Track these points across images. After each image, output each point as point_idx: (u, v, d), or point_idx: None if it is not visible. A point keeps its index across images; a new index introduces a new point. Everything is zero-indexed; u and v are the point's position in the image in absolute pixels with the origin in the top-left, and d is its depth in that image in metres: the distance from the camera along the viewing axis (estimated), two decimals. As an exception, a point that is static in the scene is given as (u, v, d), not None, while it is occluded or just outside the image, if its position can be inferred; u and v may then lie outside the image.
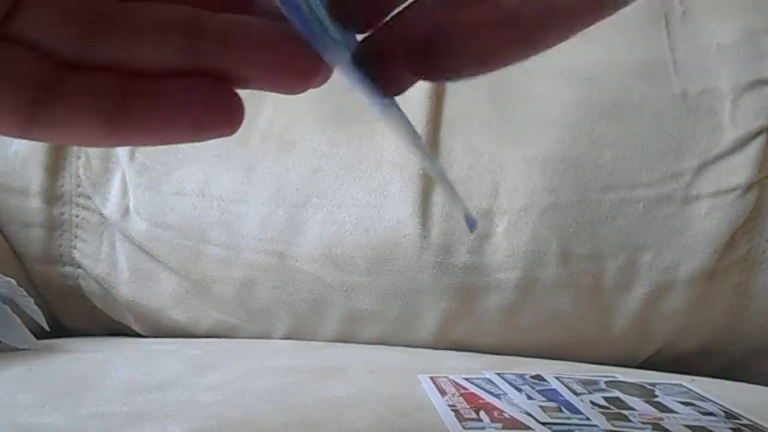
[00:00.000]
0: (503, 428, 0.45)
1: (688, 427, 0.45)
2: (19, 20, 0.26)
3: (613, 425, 0.45)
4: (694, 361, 0.73)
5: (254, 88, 0.28)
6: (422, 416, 0.47)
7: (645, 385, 0.56)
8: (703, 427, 0.46)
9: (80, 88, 0.27)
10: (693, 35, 0.74)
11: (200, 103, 0.27)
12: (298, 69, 0.28)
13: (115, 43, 0.27)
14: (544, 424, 0.45)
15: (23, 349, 0.64)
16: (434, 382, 0.54)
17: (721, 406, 0.51)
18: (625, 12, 0.82)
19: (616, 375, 0.59)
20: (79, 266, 0.78)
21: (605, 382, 0.56)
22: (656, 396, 0.53)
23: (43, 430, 0.44)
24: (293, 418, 0.46)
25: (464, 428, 0.45)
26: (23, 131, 0.26)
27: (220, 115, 0.28)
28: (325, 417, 0.47)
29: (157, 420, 0.45)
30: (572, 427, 0.44)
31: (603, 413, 0.47)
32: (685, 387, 0.56)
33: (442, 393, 0.52)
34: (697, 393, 0.54)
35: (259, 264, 0.73)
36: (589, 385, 0.55)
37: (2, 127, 0.26)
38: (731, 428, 0.46)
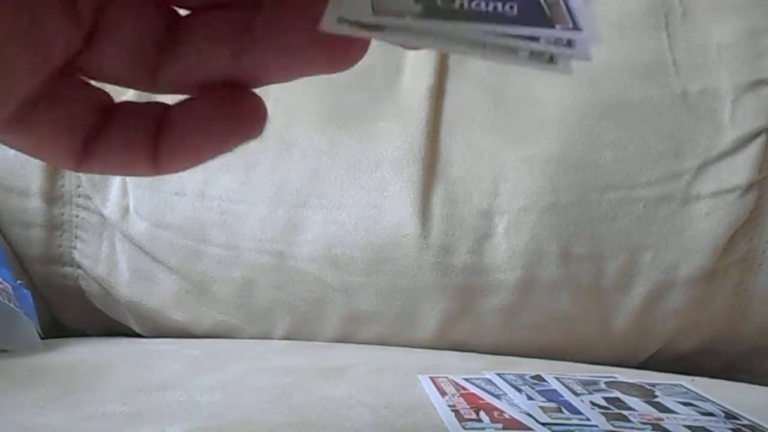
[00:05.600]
0: (503, 428, 0.45)
1: (687, 427, 0.45)
2: (93, 53, 0.27)
3: (613, 425, 0.45)
4: (694, 361, 0.73)
5: (293, 79, 0.29)
6: (422, 416, 0.47)
7: (645, 385, 0.56)
8: (702, 428, 0.46)
9: (122, 129, 0.28)
10: (693, 35, 0.74)
11: (226, 117, 0.28)
12: (342, 47, 0.28)
13: (176, 63, 0.28)
14: (544, 424, 0.45)
15: (23, 349, 0.64)
16: (434, 382, 0.54)
17: (720, 406, 0.51)
18: (625, 12, 0.82)
19: (616, 375, 0.59)
20: (79, 266, 0.78)
21: (605, 383, 0.56)
22: (656, 396, 0.53)
23: (43, 430, 0.44)
24: (293, 418, 0.46)
25: (464, 428, 0.45)
26: (76, 167, 0.28)
27: (245, 122, 0.28)
28: (325, 417, 0.47)
29: (157, 420, 0.45)
30: (572, 428, 0.45)
31: (603, 413, 0.47)
32: (685, 387, 0.56)
33: (442, 393, 0.52)
34: (696, 393, 0.54)
35: (259, 264, 0.73)
36: (589, 385, 0.55)
37: (56, 162, 0.28)
38: (731, 428, 0.46)
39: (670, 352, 0.73)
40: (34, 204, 0.77)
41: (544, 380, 0.56)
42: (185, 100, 0.29)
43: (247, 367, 0.59)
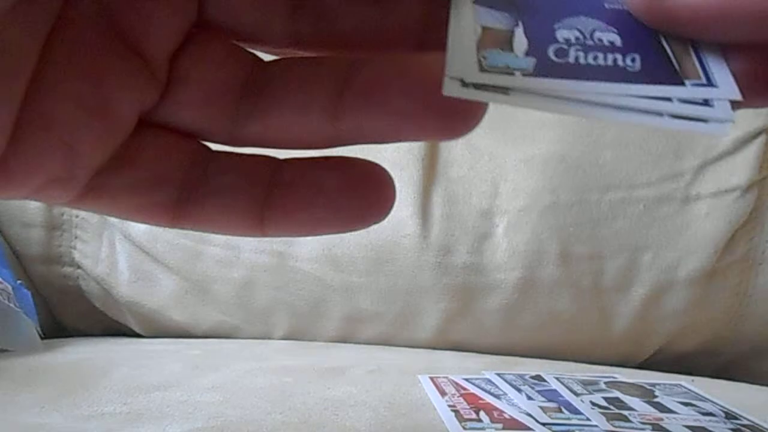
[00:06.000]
0: (503, 429, 0.45)
1: (687, 427, 0.45)
2: (168, 105, 0.25)
3: (613, 425, 0.45)
4: (694, 361, 0.73)
5: (400, 141, 0.26)
6: (422, 416, 0.47)
7: (645, 385, 0.56)
8: (702, 428, 0.46)
9: (225, 184, 0.26)
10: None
11: (356, 196, 0.26)
12: (459, 114, 0.25)
13: (262, 117, 0.25)
14: (544, 424, 0.45)
15: (23, 349, 0.64)
16: (434, 382, 0.54)
17: (720, 406, 0.51)
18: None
19: (616, 375, 0.59)
20: (79, 266, 0.78)
21: (605, 383, 0.56)
22: (656, 396, 0.53)
23: (43, 430, 0.44)
24: (293, 418, 0.46)
25: (464, 428, 0.45)
26: (172, 225, 0.26)
27: (370, 202, 0.26)
28: (325, 417, 0.47)
29: (157, 420, 0.45)
30: (572, 428, 0.45)
31: (603, 414, 0.47)
32: (685, 387, 0.56)
33: (442, 393, 0.52)
34: (696, 393, 0.54)
35: (259, 264, 0.73)
36: (589, 385, 0.55)
37: (149, 220, 0.26)
38: (731, 428, 0.46)
39: (670, 352, 0.73)
40: (34, 204, 0.77)
41: (544, 380, 0.56)
42: (303, 160, 0.26)
43: (247, 367, 0.59)
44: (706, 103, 0.22)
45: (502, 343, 0.72)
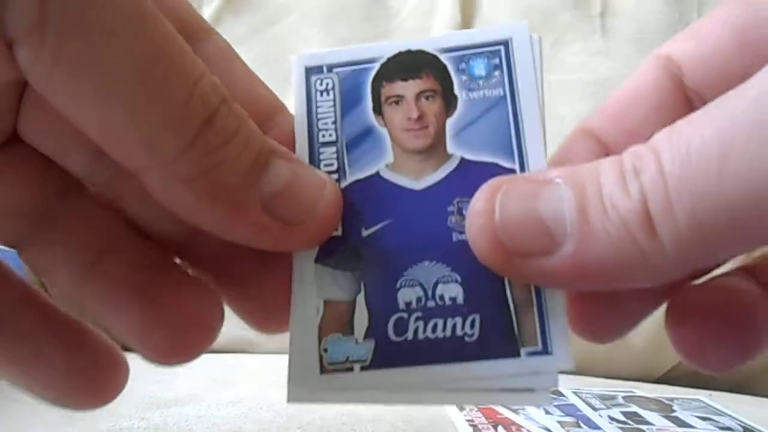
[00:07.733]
0: (521, 443, 0.45)
1: (706, 442, 0.45)
2: None
3: (632, 440, 0.45)
4: (711, 375, 0.73)
5: None
6: (440, 431, 0.47)
7: (663, 399, 0.56)
8: (721, 442, 0.45)
9: None
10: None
11: (71, 371, 0.26)
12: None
13: (34, 247, 0.26)
14: (562, 439, 0.45)
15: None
16: (451, 397, 0.54)
17: (738, 420, 0.51)
18: (643, 26, 0.82)
19: (634, 390, 0.59)
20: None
21: (623, 397, 0.56)
22: (674, 411, 0.53)
23: (63, 445, 0.44)
24: (311, 433, 0.46)
25: (482, 443, 0.45)
26: None
27: (93, 387, 0.26)
28: (342, 432, 0.47)
29: (176, 435, 0.46)
30: (590, 442, 0.45)
31: (621, 428, 0.47)
32: (703, 402, 0.56)
33: (461, 408, 0.52)
34: (714, 408, 0.54)
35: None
36: (607, 400, 0.55)
37: None
38: (750, 443, 0.46)
39: (688, 366, 0.72)
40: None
41: (562, 395, 0.56)
42: (45, 313, 0.26)
43: (265, 381, 0.59)
44: (535, 373, 0.24)
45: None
